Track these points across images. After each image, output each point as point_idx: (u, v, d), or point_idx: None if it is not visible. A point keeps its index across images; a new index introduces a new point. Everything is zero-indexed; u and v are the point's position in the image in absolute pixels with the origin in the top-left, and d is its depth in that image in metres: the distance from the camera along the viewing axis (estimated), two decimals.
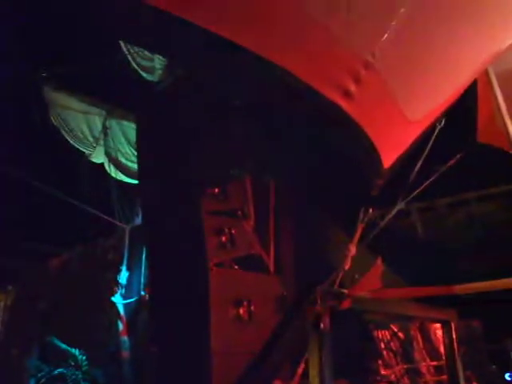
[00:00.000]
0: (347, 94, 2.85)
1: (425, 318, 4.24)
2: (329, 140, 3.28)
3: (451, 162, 6.18)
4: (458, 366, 3.56)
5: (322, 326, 2.66)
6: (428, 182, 5.95)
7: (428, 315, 3.90)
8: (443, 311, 3.74)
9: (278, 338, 3.00)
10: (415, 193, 5.73)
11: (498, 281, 3.08)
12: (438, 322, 4.28)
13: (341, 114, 2.86)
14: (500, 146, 5.94)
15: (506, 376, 7.97)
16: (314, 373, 2.56)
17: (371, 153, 3.25)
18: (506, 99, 5.16)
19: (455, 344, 3.58)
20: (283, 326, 3.02)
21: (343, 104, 2.87)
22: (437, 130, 5.05)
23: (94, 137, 9.70)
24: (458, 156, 6.20)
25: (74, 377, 7.21)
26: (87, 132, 9.70)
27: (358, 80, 2.85)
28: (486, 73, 5.10)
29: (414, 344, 5.49)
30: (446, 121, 5.07)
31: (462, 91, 4.38)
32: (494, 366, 6.49)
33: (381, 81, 2.96)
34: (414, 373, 5.38)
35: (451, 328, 3.63)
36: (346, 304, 2.85)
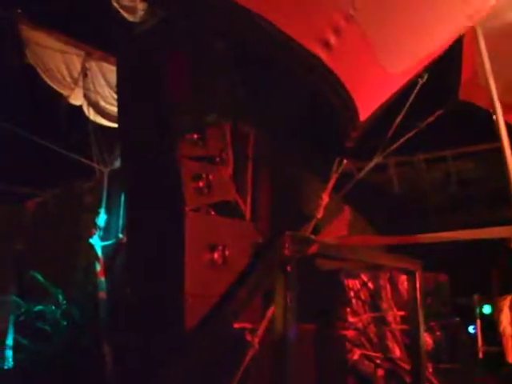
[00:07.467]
0: (327, 45, 2.85)
1: (391, 267, 4.39)
2: (306, 90, 3.29)
3: (431, 118, 6.24)
4: (419, 314, 3.73)
5: (288, 268, 2.76)
6: (407, 136, 6.01)
7: (394, 264, 4.04)
8: (409, 261, 3.89)
9: (243, 280, 3.11)
10: (393, 147, 5.80)
11: (461, 231, 3.20)
12: (403, 271, 4.44)
13: (319, 65, 2.86)
14: (481, 105, 5.98)
15: (470, 328, 8.34)
16: (278, 314, 2.69)
17: (348, 104, 3.27)
18: (490, 57, 5.15)
19: (418, 294, 3.73)
20: (249, 269, 3.13)
21: (322, 55, 2.87)
22: (419, 85, 5.07)
23: (72, 78, 9.47)
24: (439, 112, 6.24)
25: (52, 314, 7.35)
26: (65, 72, 9.46)
27: (337, 32, 2.85)
28: (472, 30, 5.07)
29: (383, 294, 5.69)
30: (428, 76, 5.07)
31: (445, 47, 4.37)
32: (457, 319, 6.76)
33: (361, 33, 2.95)
34: (381, 321, 5.60)
35: (416, 278, 3.77)
36: (314, 249, 2.95)
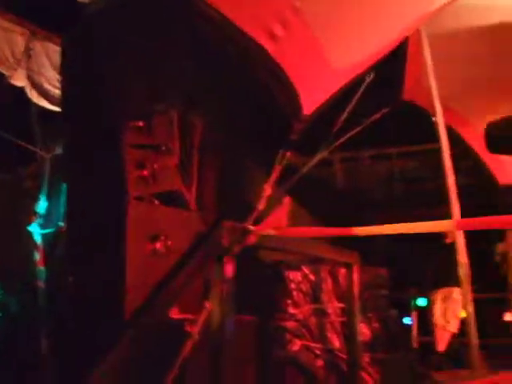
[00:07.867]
0: (273, 37, 2.87)
1: (329, 259, 4.49)
2: (252, 80, 3.29)
3: (376, 116, 6.39)
4: (356, 305, 3.82)
5: (225, 259, 2.76)
6: (352, 132, 6.13)
7: (332, 257, 4.13)
8: (347, 254, 3.97)
9: (179, 270, 3.10)
10: (339, 142, 5.91)
11: (399, 225, 3.30)
12: (341, 264, 4.55)
13: (264, 56, 2.88)
14: (424, 107, 6.19)
15: (406, 320, 8.76)
16: (215, 305, 2.69)
17: (292, 97, 3.30)
18: (434, 61, 5.33)
19: (355, 286, 3.82)
20: (186, 259, 3.11)
21: (268, 46, 2.88)
22: (365, 83, 5.17)
23: (15, 58, 9.08)
24: (383, 111, 6.41)
25: None
26: (8, 52, 9.05)
27: (284, 24, 2.87)
28: (417, 33, 5.22)
29: (324, 286, 5.80)
30: (375, 74, 5.18)
31: (392, 47, 4.48)
32: (394, 311, 7.03)
33: (308, 27, 2.99)
34: (321, 313, 5.72)
35: (353, 270, 3.86)
36: (251, 240, 2.97)
